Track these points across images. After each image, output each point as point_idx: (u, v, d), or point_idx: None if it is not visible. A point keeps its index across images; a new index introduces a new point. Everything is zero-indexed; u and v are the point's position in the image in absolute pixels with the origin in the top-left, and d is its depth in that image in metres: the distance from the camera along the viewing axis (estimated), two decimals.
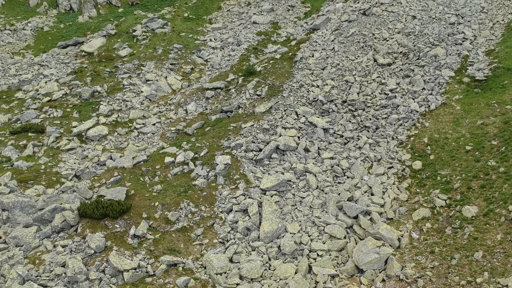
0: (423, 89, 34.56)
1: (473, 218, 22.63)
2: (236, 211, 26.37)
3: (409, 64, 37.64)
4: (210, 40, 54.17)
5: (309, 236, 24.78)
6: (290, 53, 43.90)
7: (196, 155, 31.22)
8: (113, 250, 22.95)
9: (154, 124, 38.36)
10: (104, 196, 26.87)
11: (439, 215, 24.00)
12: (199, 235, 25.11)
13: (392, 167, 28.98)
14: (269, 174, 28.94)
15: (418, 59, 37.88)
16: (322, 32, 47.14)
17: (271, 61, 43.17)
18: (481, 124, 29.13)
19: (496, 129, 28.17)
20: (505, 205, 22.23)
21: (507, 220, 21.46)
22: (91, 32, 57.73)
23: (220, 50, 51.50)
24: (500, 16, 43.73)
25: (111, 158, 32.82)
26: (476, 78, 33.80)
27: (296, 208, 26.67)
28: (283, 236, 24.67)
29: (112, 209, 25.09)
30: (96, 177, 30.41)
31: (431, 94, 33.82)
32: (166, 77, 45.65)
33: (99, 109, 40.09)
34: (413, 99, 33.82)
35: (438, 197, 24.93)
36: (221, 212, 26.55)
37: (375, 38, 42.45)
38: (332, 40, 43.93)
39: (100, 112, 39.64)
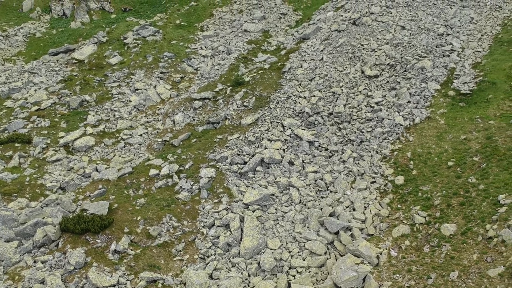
0: (409, 102, 34.68)
1: (451, 236, 22.75)
2: (218, 226, 26.45)
3: (396, 76, 37.77)
4: (201, 48, 54.24)
5: (289, 252, 24.86)
6: (279, 63, 43.99)
7: (181, 168, 31.30)
8: (93, 267, 22.99)
9: (141, 135, 38.35)
10: (87, 210, 26.92)
11: (418, 233, 24.12)
12: (180, 251, 25.16)
13: (375, 181, 29.08)
14: (252, 188, 29.02)
15: (405, 71, 38.02)
16: (311, 42, 47.25)
17: (260, 71, 43.26)
18: (464, 139, 29.26)
19: (479, 144, 28.30)
20: (483, 224, 22.36)
21: (484, 240, 21.57)
22: (82, 38, 57.75)
23: (211, 58, 51.57)
24: (488, 28, 43.91)
25: (96, 170, 32.93)
26: (461, 91, 33.94)
27: (278, 223, 26.75)
28: (263, 252, 24.74)
29: (93, 224, 25.14)
30: (80, 190, 30.47)
31: (416, 107, 33.94)
32: (155, 86, 45.69)
33: (87, 119, 40.09)
34: (398, 112, 33.93)
35: (418, 214, 25.04)
36: (203, 227, 26.61)
37: (363, 48, 42.59)
38: (321, 50, 44.05)
39: (87, 122, 39.62)
